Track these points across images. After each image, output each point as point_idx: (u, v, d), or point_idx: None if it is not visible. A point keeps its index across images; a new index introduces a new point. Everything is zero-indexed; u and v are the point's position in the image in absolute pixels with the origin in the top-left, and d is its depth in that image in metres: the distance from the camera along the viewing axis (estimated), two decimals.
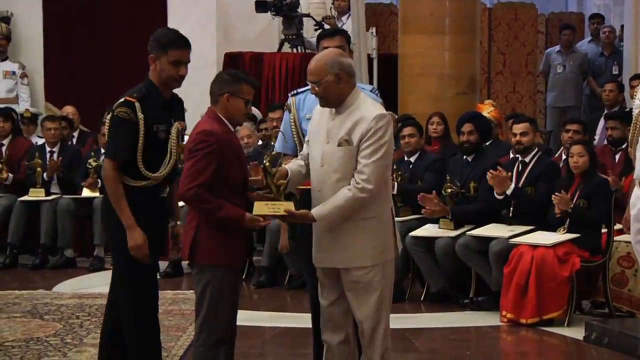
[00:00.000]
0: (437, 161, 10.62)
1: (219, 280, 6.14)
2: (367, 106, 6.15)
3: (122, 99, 6.41)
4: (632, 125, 7.12)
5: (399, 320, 8.44)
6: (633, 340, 7.93)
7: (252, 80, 6.33)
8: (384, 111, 6.19)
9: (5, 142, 12.40)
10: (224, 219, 6.05)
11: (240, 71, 6.63)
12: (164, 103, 6.49)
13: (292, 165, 6.31)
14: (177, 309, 9.36)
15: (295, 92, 6.79)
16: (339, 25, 13.74)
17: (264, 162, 6.19)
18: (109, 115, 6.61)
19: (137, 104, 6.35)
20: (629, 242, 8.16)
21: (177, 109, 6.62)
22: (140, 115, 6.34)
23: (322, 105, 6.22)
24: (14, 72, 14.81)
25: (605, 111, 13.13)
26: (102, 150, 11.23)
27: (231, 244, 6.16)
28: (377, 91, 7.14)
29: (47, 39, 15.22)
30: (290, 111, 6.87)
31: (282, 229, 6.71)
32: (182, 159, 6.41)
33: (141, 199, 6.41)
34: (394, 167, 9.43)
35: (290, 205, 6.12)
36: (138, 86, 6.50)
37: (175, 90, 6.56)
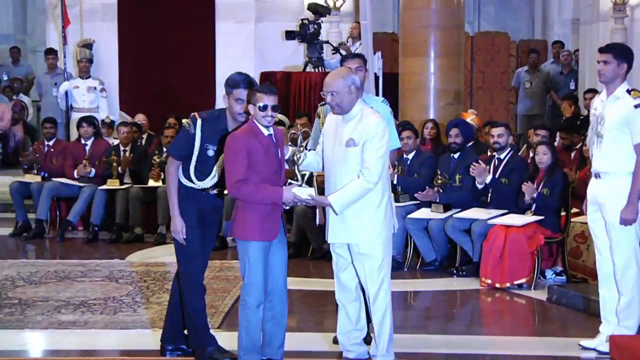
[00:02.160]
0: (430, 158, 10.60)
1: (249, 253, 6.15)
2: (369, 115, 6.26)
3: (193, 113, 6.49)
4: (589, 129, 7.17)
5: (400, 285, 8.40)
6: (585, 300, 7.91)
7: (266, 87, 6.25)
8: (381, 119, 6.29)
9: (89, 142, 12.41)
10: (265, 197, 6.06)
11: (265, 84, 6.60)
12: (224, 130, 6.41)
13: (309, 154, 6.51)
14: (223, 275, 9.36)
15: (322, 103, 6.83)
16: (352, 50, 13.71)
17: (292, 155, 6.28)
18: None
19: (199, 121, 6.42)
20: (584, 223, 8.13)
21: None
22: (199, 132, 6.38)
23: (334, 113, 6.31)
24: (95, 88, 14.86)
25: (564, 118, 13.13)
26: (164, 149, 11.25)
27: (261, 224, 6.14)
28: (386, 101, 7.21)
29: (121, 60, 15.27)
30: (319, 117, 6.94)
31: (319, 208, 6.74)
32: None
33: (190, 194, 6.46)
34: (396, 162, 9.43)
35: (311, 191, 6.19)
36: (216, 109, 6.64)
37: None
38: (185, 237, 6.46)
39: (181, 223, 6.45)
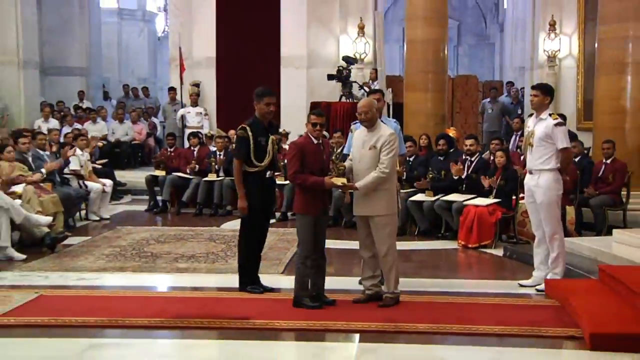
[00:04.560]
0: (425, 160, 10.60)
1: (302, 222, 6.22)
2: (385, 128, 6.33)
3: (241, 125, 6.61)
4: (524, 139, 7.35)
5: (403, 245, 8.35)
6: (527, 256, 7.86)
7: (316, 112, 6.41)
8: (393, 132, 6.33)
9: (196, 149, 12.47)
10: (313, 184, 6.12)
11: (316, 109, 6.71)
12: (263, 126, 6.61)
13: (348, 163, 6.40)
14: (285, 238, 9.37)
15: (355, 122, 6.85)
16: (373, 86, 13.66)
17: (332, 156, 6.36)
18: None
19: (247, 127, 6.57)
20: None
21: (274, 129, 6.85)
22: (250, 134, 6.53)
23: (365, 127, 6.35)
24: (201, 112, 15.02)
25: (514, 134, 13.06)
26: None
27: (310, 202, 6.21)
28: (397, 121, 7.40)
29: (218, 94, 15.35)
30: (352, 132, 6.95)
31: (347, 192, 6.81)
32: (276, 154, 6.72)
33: (253, 178, 6.62)
34: (403, 164, 9.44)
35: (344, 180, 6.25)
36: (250, 118, 6.70)
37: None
38: (248, 212, 6.59)
39: (245, 203, 6.59)
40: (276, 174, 6.95)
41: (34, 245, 8.73)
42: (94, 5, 20.44)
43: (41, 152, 10.48)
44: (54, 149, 11.34)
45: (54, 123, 15.04)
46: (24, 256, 8.25)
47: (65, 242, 9.02)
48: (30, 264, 8.03)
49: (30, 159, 10.07)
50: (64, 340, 5.48)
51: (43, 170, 9.89)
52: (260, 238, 6.80)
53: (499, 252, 8.81)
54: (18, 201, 8.72)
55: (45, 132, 12.24)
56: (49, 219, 8.89)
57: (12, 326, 5.80)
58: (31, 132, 11.85)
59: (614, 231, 8.31)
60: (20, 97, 15.90)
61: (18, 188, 9.17)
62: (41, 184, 9.54)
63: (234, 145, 13.23)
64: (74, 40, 19.11)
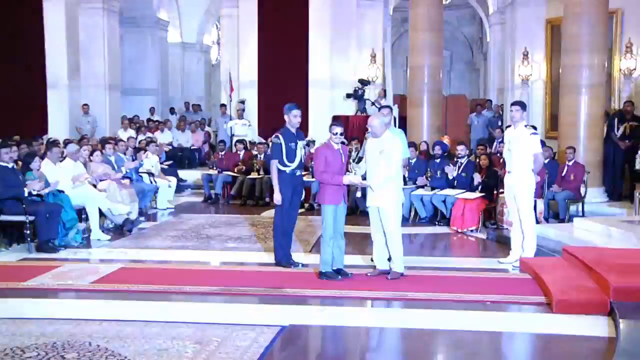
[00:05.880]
0: (424, 162, 10.53)
1: (325, 211, 6.20)
2: (391, 137, 6.27)
3: (275, 134, 6.64)
4: (505, 146, 7.32)
5: (406, 230, 8.31)
6: (505, 239, 7.80)
7: (336, 123, 6.37)
8: (399, 139, 6.34)
9: (241, 153, 12.50)
10: (334, 180, 6.11)
11: (337, 121, 6.69)
12: (292, 134, 6.56)
13: (362, 164, 6.39)
14: (312, 224, 9.37)
15: (368, 132, 6.79)
16: (382, 102, 13.61)
17: (349, 159, 6.33)
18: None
19: (280, 136, 6.55)
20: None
21: (300, 136, 6.71)
22: (282, 140, 6.50)
23: (373, 137, 6.30)
24: (245, 124, 14.95)
25: (496, 141, 12.92)
26: None
27: (331, 195, 6.19)
28: (402, 131, 7.49)
29: (259, 109, 15.33)
30: (366, 139, 6.91)
31: (360, 188, 6.82)
32: (304, 157, 6.68)
33: (285, 176, 6.56)
34: (406, 166, 9.40)
35: (360, 178, 6.24)
36: (282, 128, 6.66)
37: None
38: (282, 202, 6.58)
39: (279, 195, 6.55)
40: (304, 172, 6.92)
41: (115, 228, 8.87)
42: (163, 40, 20.81)
43: (122, 155, 10.68)
44: (131, 152, 11.48)
45: (131, 132, 15.23)
46: (109, 237, 8.38)
47: (140, 226, 9.13)
48: (113, 243, 8.14)
49: (113, 161, 10.24)
50: (140, 302, 5.56)
51: (123, 169, 10.07)
52: (291, 223, 6.81)
53: (483, 235, 8.75)
54: (104, 194, 8.86)
55: (125, 139, 12.39)
56: (128, 208, 9.04)
57: (100, 291, 5.90)
58: (114, 139, 11.98)
59: (575, 220, 8.33)
60: (106, 113, 16.14)
61: (104, 183, 9.30)
62: (121, 180, 9.69)
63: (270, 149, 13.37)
64: (147, 67, 19.62)
